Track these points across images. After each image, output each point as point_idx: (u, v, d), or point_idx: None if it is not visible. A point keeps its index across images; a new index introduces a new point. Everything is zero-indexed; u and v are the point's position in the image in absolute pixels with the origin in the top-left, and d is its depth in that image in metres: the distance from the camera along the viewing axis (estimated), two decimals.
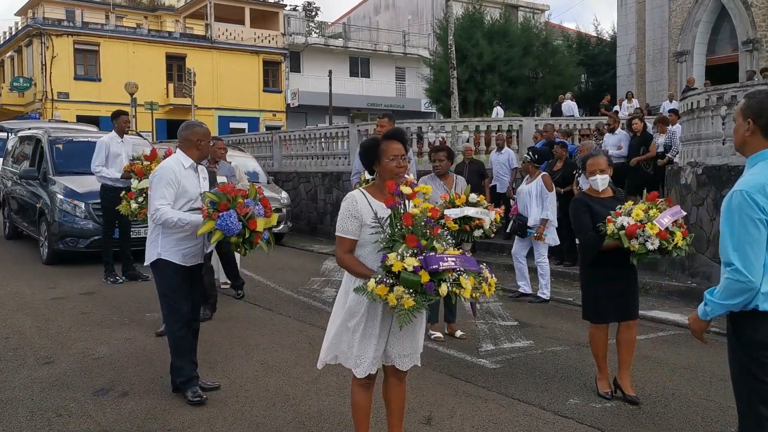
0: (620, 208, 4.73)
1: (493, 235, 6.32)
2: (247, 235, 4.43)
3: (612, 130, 12.26)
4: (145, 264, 4.92)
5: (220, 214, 4.37)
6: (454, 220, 5.80)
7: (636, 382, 5.35)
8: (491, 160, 12.33)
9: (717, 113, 8.89)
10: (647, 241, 4.51)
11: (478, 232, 6.07)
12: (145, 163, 7.07)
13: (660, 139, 11.61)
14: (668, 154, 11.40)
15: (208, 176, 5.09)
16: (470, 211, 6.03)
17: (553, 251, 11.02)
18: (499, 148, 12.34)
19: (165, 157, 6.69)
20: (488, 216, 6.11)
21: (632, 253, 4.58)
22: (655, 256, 4.60)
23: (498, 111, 22.32)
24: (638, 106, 20.52)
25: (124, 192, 6.93)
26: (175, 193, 4.67)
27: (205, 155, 4.97)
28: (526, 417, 4.66)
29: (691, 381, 5.47)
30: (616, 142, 11.85)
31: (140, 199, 6.55)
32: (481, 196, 6.29)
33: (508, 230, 8.12)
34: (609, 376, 5.07)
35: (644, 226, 4.50)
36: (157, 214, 4.61)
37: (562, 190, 9.94)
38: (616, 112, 14.26)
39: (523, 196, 8.22)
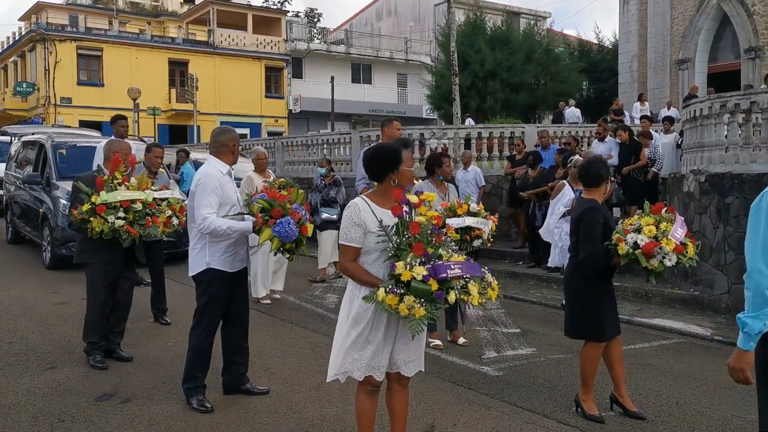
0: (623, 222, 4.58)
1: (489, 244, 6.26)
2: (303, 242, 4.51)
3: (602, 139, 12.20)
4: (190, 274, 4.88)
5: (278, 221, 4.38)
6: (456, 230, 5.76)
7: (640, 391, 5.35)
8: (457, 179, 11.32)
9: (720, 121, 8.88)
10: (665, 257, 4.33)
11: (477, 242, 5.99)
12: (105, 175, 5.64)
13: (644, 152, 11.60)
14: (653, 168, 11.40)
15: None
16: (471, 221, 5.97)
17: (526, 256, 11.05)
18: (466, 166, 11.54)
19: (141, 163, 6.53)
20: (486, 226, 6.05)
21: (650, 272, 4.41)
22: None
23: (469, 122, 22.30)
24: (642, 110, 20.34)
25: (89, 204, 5.40)
26: (219, 201, 4.64)
27: (236, 160, 4.94)
28: (530, 425, 4.65)
29: (695, 390, 5.46)
30: (606, 151, 11.72)
31: (121, 214, 5.39)
32: (480, 205, 6.22)
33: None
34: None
35: (661, 243, 4.32)
36: (205, 223, 4.57)
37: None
38: (605, 120, 14.18)
39: None
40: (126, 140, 9.08)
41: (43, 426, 4.47)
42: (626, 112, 20.42)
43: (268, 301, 8.43)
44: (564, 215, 7.18)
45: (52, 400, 4.92)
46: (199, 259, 4.76)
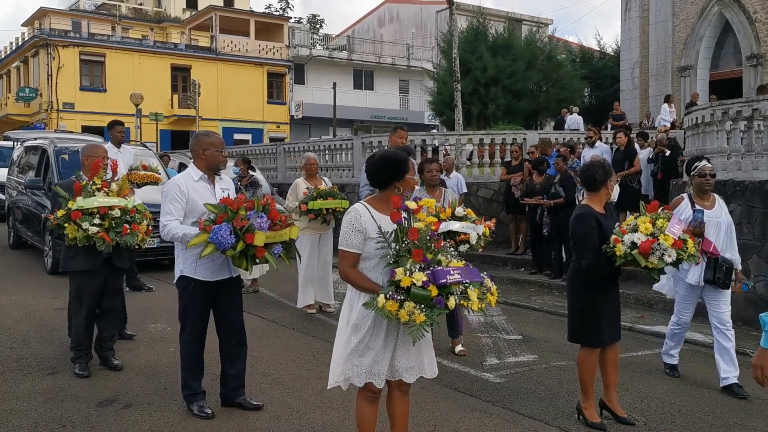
0: (621, 225, 4.50)
1: (480, 249, 6.02)
2: (240, 248, 4.30)
3: (592, 144, 12.16)
4: (173, 282, 4.90)
5: (214, 227, 4.31)
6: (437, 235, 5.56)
7: (642, 398, 5.34)
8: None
9: (722, 128, 8.89)
10: (664, 254, 4.26)
11: (463, 247, 5.72)
12: (85, 181, 5.56)
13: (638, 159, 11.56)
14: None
15: (233, 187, 4.95)
16: (455, 226, 5.74)
17: (527, 262, 10.99)
18: (448, 172, 10.60)
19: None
20: (475, 230, 5.79)
21: (650, 270, 4.33)
22: (670, 266, 4.39)
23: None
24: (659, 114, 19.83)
25: (64, 210, 5.34)
26: (183, 208, 4.64)
27: (213, 164, 4.81)
28: None
29: (697, 397, 5.45)
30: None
31: (96, 221, 5.30)
32: (468, 209, 5.99)
33: (710, 279, 5.57)
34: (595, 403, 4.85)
35: (658, 240, 4.26)
36: (164, 230, 4.61)
37: (552, 203, 9.98)
38: (596, 125, 14.05)
39: (714, 228, 5.62)
40: (124, 145, 9.22)
41: (44, 431, 4.46)
42: (656, 116, 19.96)
43: (314, 311, 8.32)
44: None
45: (53, 406, 4.92)
46: (177, 266, 4.79)
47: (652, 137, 14.04)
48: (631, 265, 4.40)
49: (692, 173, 5.76)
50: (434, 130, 23.71)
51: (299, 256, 4.91)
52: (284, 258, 4.64)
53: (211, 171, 4.82)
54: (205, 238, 4.34)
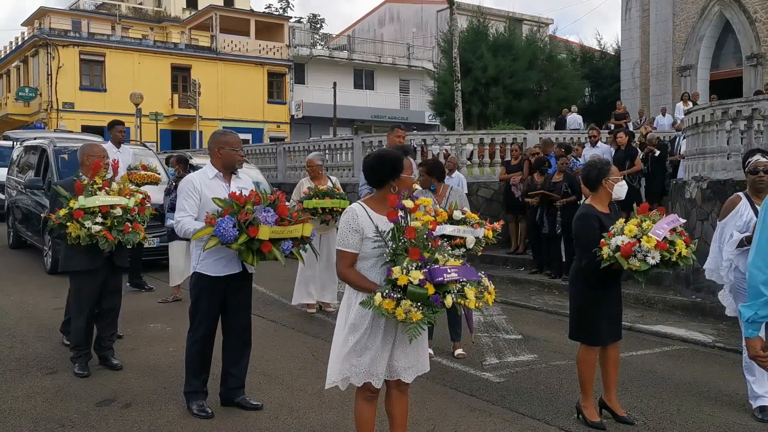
0: (611, 229, 4.48)
1: (480, 253, 5.90)
2: (242, 241, 4.28)
3: (594, 144, 12.09)
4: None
5: (218, 219, 4.34)
6: None
7: (641, 398, 5.34)
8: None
9: (722, 128, 8.88)
10: (647, 256, 4.23)
11: (458, 252, 5.48)
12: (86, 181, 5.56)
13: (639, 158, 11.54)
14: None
15: (251, 187, 4.84)
16: (448, 230, 5.53)
17: (527, 262, 10.94)
18: (450, 172, 10.16)
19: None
20: (473, 234, 5.60)
21: (636, 272, 4.29)
22: (661, 269, 4.36)
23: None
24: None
25: (66, 210, 5.32)
26: (197, 205, 4.66)
27: (229, 163, 4.80)
28: None
29: (697, 397, 5.44)
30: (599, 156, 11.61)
31: (99, 220, 5.33)
32: (468, 212, 5.81)
33: None
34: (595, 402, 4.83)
35: (639, 242, 4.23)
36: (177, 226, 4.67)
37: (564, 201, 9.94)
38: (598, 125, 13.96)
39: None
40: (123, 145, 9.25)
41: (44, 431, 4.46)
42: (669, 115, 19.89)
43: (313, 310, 8.30)
44: (742, 244, 4.83)
45: (53, 405, 4.92)
46: (192, 262, 4.82)
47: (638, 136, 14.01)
48: (619, 267, 4.38)
49: (745, 170, 5.07)
50: (414, 130, 23.75)
51: (317, 255, 4.86)
52: (297, 255, 4.64)
53: (227, 170, 4.83)
54: (209, 231, 4.37)
